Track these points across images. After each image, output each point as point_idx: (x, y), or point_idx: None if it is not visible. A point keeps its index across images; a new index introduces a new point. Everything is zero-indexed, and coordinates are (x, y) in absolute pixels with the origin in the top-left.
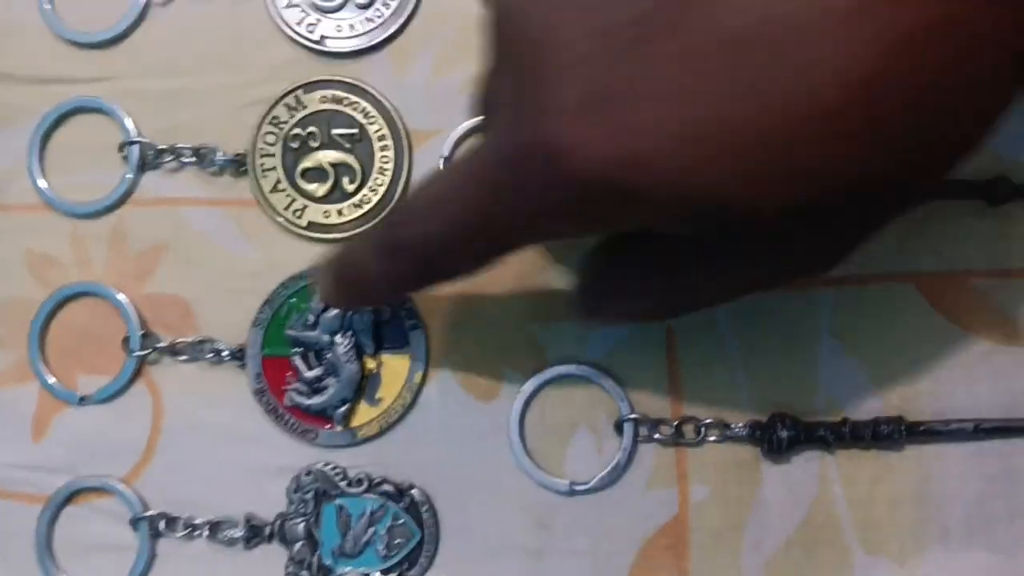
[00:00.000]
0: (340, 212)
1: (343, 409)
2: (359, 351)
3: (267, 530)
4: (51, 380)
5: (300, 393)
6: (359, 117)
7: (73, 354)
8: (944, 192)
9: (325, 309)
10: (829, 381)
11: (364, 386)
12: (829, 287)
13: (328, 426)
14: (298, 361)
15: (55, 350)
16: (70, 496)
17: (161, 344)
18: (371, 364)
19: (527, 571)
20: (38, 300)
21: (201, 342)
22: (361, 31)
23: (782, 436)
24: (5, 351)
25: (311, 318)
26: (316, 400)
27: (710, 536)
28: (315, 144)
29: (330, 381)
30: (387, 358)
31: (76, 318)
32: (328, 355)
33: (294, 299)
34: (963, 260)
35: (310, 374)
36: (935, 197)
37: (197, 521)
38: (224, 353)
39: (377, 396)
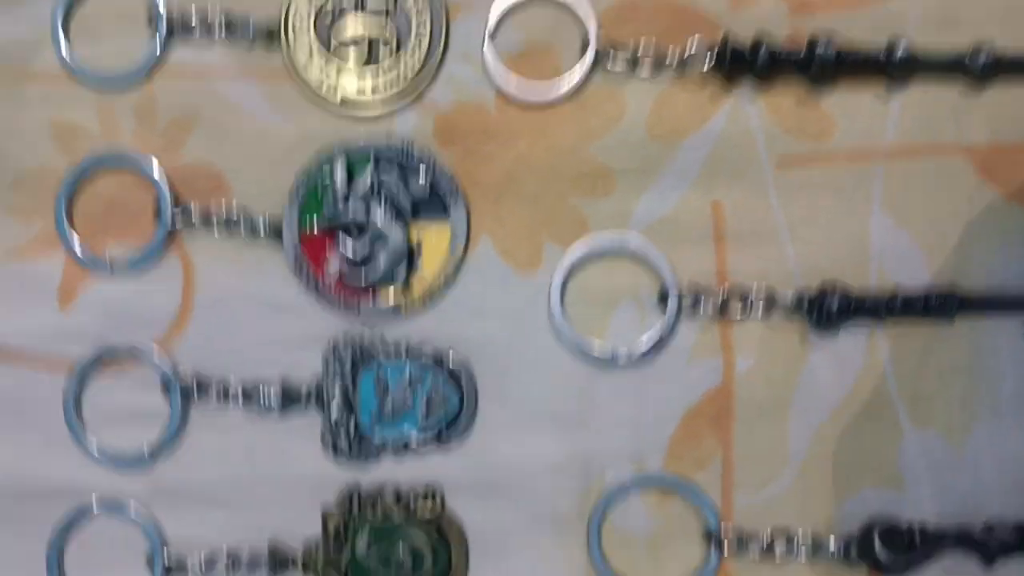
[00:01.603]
0: (374, 89)
1: (401, 270)
2: (398, 214)
3: (303, 396)
4: (79, 249)
5: (349, 269)
6: None
7: (101, 225)
8: (999, 67)
9: (351, 184)
10: (880, 254)
11: (412, 251)
12: (880, 159)
13: (370, 301)
14: (341, 241)
15: (83, 221)
16: (99, 363)
17: (194, 215)
18: (412, 236)
19: (566, 441)
20: (65, 170)
21: (236, 215)
22: None
23: (832, 307)
24: (30, 221)
25: (341, 194)
26: (371, 273)
27: (755, 408)
28: (349, 14)
29: (379, 250)
30: (427, 231)
31: (104, 189)
32: (369, 226)
33: (330, 173)
34: (1017, 134)
35: (356, 250)
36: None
37: (231, 387)
38: (260, 227)
39: (419, 267)
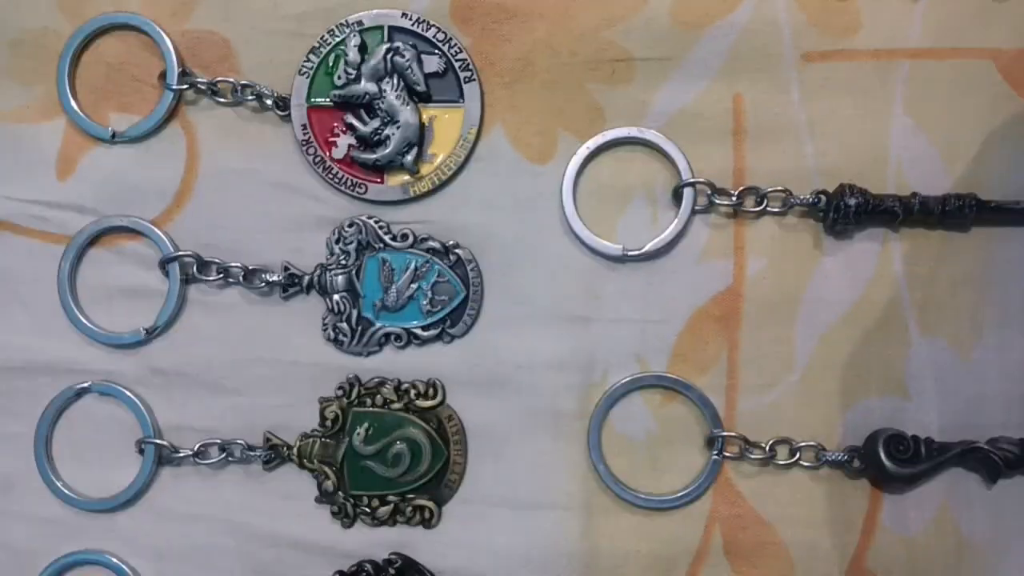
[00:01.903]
0: None
1: (411, 156)
2: (411, 93)
3: (306, 280)
4: (80, 115)
5: (360, 149)
6: None
7: (104, 91)
8: None
9: (363, 59)
10: (899, 157)
11: (424, 132)
12: (904, 60)
13: (378, 183)
14: (351, 118)
15: (85, 87)
16: (96, 237)
17: (200, 81)
18: (424, 117)
19: (573, 337)
20: (68, 33)
21: (244, 86)
22: None
23: (850, 203)
24: (30, 85)
25: (352, 72)
26: (381, 152)
27: (764, 308)
28: None
29: (390, 130)
30: (440, 112)
31: (109, 53)
32: (381, 104)
33: (342, 47)
34: None
35: (367, 128)
36: None
37: (232, 266)
38: (267, 99)
39: (430, 151)
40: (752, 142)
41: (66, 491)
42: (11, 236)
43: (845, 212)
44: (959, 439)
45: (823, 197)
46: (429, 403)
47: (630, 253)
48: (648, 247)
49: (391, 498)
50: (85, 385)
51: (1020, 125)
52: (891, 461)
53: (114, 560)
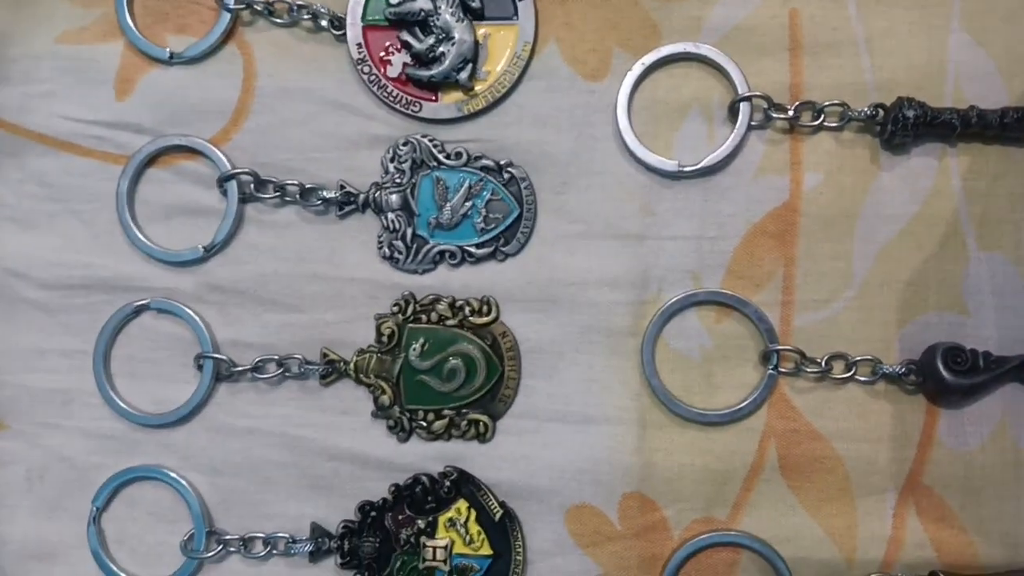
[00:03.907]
0: None
1: (465, 73)
2: (465, 9)
3: (361, 198)
4: (139, 36)
5: (415, 66)
6: None
7: (161, 13)
8: None
9: None
10: (956, 70)
11: (478, 49)
12: None
13: (432, 101)
14: (406, 36)
15: (143, 9)
16: (155, 156)
17: (256, 2)
18: (478, 34)
19: (627, 255)
20: None
21: (299, 6)
22: None
23: (908, 116)
24: (89, 8)
25: None
26: (436, 69)
27: (820, 223)
28: None
29: (445, 47)
30: (494, 29)
31: None
32: (435, 21)
33: None
34: None
35: (422, 45)
36: None
37: (288, 184)
38: (323, 19)
39: (484, 69)
40: (808, 57)
41: (124, 406)
42: (71, 156)
43: (903, 125)
44: (1019, 355)
45: (881, 110)
46: (483, 320)
47: (685, 169)
48: (704, 163)
49: (446, 412)
50: (144, 302)
51: None
52: (949, 373)
53: (171, 474)
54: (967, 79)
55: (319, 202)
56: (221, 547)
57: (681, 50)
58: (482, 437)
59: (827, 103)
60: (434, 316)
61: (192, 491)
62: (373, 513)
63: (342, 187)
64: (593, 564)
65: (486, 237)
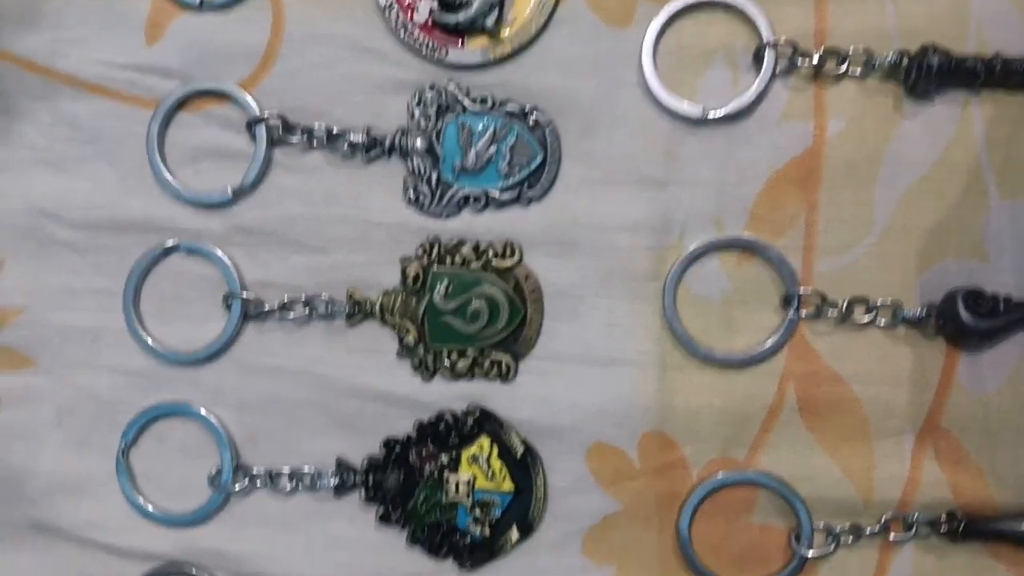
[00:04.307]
0: None
1: (492, 18)
2: None
3: (387, 142)
4: None
5: (439, 10)
6: None
7: None
8: None
9: None
10: (980, 18)
11: None
12: None
13: (458, 47)
14: None
15: None
16: (184, 100)
17: None
18: None
19: (650, 200)
20: None
21: None
22: None
23: (932, 63)
24: None
25: None
26: (463, 15)
27: (843, 170)
28: None
29: None
30: None
31: None
32: None
33: None
34: None
35: None
36: None
37: (315, 129)
38: None
39: (510, 15)
40: (833, 3)
41: (153, 345)
42: (101, 99)
43: (927, 72)
44: None
45: (905, 57)
46: (507, 263)
47: (709, 115)
48: (728, 109)
49: (470, 352)
50: (173, 243)
51: None
52: (970, 315)
53: (199, 410)
54: (991, 27)
55: (346, 146)
56: (248, 481)
57: None
58: (505, 377)
59: (851, 50)
60: (458, 259)
61: (220, 426)
62: (397, 449)
63: (368, 132)
64: (613, 501)
65: (510, 182)
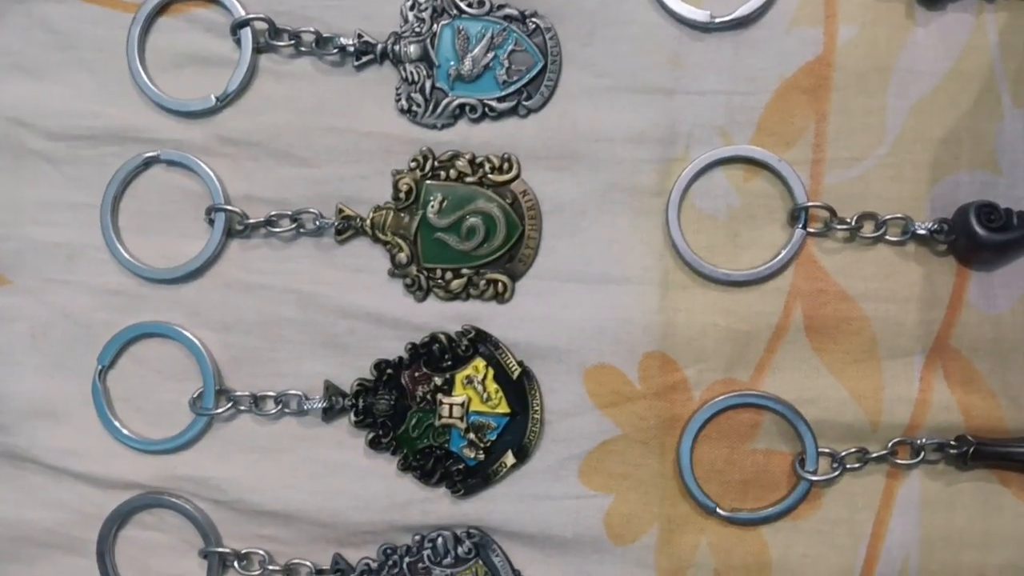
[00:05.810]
0: None
1: None
2: None
3: (379, 48)
4: None
5: None
6: None
7: None
8: None
9: None
10: None
11: None
12: None
13: None
14: None
15: None
16: (166, 4)
17: None
18: None
19: (655, 109)
20: None
21: None
22: None
23: None
24: None
25: None
26: None
27: (854, 78)
28: None
29: None
30: None
31: None
32: None
33: None
34: None
35: None
36: None
37: (304, 32)
38: None
39: None
40: None
41: (132, 261)
42: (79, 2)
43: None
44: None
45: None
46: (504, 177)
47: (717, 20)
48: (736, 14)
49: (464, 271)
50: (154, 154)
51: None
52: (982, 229)
53: (180, 330)
54: None
55: (335, 51)
56: (231, 405)
57: None
58: (501, 297)
59: None
60: (453, 173)
61: (201, 347)
62: (389, 371)
63: (359, 36)
64: (612, 424)
65: (508, 90)
